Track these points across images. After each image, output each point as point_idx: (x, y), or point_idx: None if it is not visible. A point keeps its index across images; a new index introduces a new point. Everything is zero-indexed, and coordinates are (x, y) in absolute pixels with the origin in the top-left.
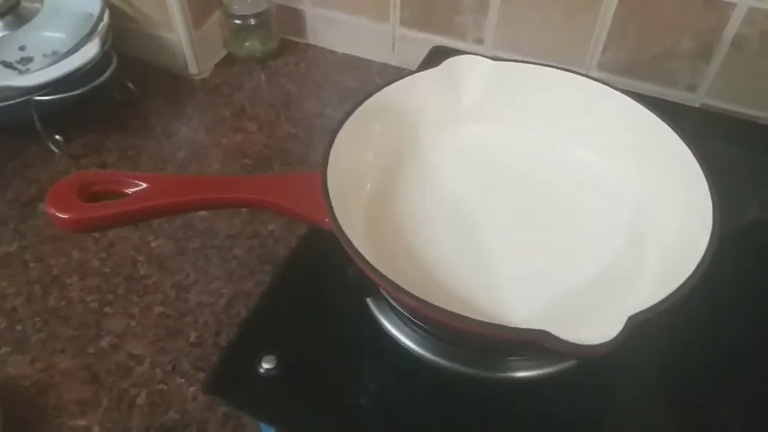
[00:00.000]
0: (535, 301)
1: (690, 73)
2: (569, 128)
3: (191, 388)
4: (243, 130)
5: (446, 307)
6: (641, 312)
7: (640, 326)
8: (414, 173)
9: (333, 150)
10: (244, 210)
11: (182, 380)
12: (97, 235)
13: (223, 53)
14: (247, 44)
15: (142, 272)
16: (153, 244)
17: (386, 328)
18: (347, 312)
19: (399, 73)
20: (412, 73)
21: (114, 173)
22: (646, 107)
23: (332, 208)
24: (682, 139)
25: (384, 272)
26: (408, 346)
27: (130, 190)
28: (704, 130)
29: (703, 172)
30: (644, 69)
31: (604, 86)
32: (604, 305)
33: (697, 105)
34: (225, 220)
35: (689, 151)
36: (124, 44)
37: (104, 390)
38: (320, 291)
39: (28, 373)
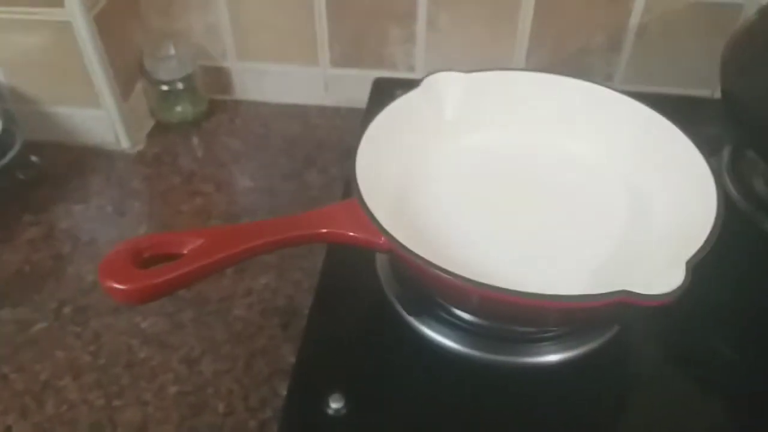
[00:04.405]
0: (578, 275)
1: (605, 64)
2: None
3: None
4: (200, 193)
5: None
6: (694, 255)
7: (698, 267)
8: (426, 180)
9: (358, 173)
10: (229, 270)
11: None
12: (77, 328)
13: (151, 123)
14: (177, 109)
15: (142, 355)
16: (143, 325)
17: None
18: (394, 333)
19: (337, 113)
20: (349, 109)
21: (166, 234)
22: (620, 93)
23: (383, 227)
24: (672, 122)
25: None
26: (459, 350)
27: (184, 250)
28: None
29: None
30: (565, 67)
31: (566, 78)
32: (643, 265)
33: None
34: (212, 284)
35: (678, 130)
36: (38, 131)
37: None
38: (360, 320)
39: None
